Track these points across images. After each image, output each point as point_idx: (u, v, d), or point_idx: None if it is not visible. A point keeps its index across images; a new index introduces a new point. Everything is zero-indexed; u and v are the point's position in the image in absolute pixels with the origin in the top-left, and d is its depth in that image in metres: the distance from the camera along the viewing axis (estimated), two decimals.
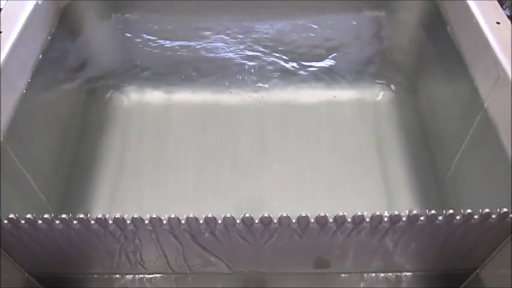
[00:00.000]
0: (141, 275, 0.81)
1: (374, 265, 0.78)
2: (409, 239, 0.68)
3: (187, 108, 1.13)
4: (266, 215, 0.62)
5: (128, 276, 0.81)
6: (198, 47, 1.14)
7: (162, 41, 1.12)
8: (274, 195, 0.96)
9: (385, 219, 0.63)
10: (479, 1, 0.87)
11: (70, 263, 0.76)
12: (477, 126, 0.82)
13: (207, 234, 0.67)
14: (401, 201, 0.94)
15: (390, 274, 0.81)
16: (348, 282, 0.81)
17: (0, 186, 0.73)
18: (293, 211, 0.64)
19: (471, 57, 0.86)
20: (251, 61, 1.16)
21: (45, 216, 0.62)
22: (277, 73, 1.17)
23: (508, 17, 0.83)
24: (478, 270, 0.78)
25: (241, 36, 1.14)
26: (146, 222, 0.63)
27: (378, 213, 0.62)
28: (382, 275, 0.81)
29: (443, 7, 0.98)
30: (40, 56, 0.88)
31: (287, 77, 1.17)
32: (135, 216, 0.62)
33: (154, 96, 1.15)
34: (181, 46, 1.13)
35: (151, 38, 1.12)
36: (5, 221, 0.62)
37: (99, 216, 0.62)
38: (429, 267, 0.80)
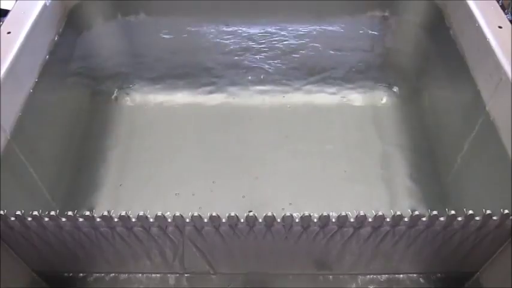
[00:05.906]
0: (147, 274, 0.81)
1: (375, 266, 0.78)
2: (411, 239, 0.69)
3: (191, 108, 1.14)
4: (270, 214, 0.63)
5: (134, 275, 0.81)
6: (203, 48, 1.15)
7: (167, 43, 1.13)
8: (277, 196, 0.96)
9: (388, 219, 0.64)
10: (481, 6, 0.87)
11: (75, 261, 0.77)
12: (479, 129, 0.83)
13: (210, 233, 0.67)
14: (404, 203, 0.95)
15: (391, 276, 0.82)
16: (348, 283, 0.81)
17: (6, 183, 0.74)
18: (296, 211, 0.65)
19: (473, 61, 0.86)
20: (254, 63, 1.17)
21: (52, 213, 0.63)
22: (279, 75, 1.17)
23: (510, 21, 0.83)
24: (478, 272, 0.78)
25: (245, 40, 1.15)
26: (151, 220, 0.64)
27: (380, 213, 0.63)
28: (383, 276, 0.82)
29: (446, 11, 0.99)
30: (47, 57, 0.90)
31: (290, 79, 1.18)
32: (141, 214, 0.63)
33: (159, 96, 1.16)
34: (186, 48, 1.14)
35: (157, 39, 1.12)
36: (12, 218, 0.63)
37: (105, 213, 0.63)
38: (430, 269, 0.80)
